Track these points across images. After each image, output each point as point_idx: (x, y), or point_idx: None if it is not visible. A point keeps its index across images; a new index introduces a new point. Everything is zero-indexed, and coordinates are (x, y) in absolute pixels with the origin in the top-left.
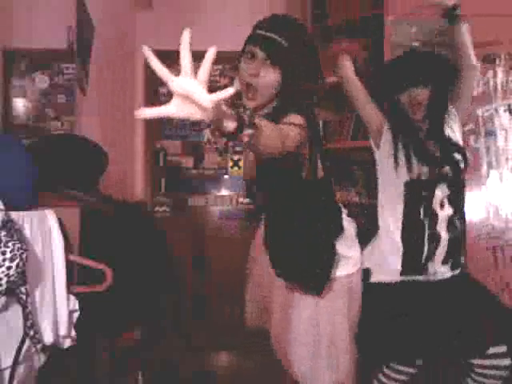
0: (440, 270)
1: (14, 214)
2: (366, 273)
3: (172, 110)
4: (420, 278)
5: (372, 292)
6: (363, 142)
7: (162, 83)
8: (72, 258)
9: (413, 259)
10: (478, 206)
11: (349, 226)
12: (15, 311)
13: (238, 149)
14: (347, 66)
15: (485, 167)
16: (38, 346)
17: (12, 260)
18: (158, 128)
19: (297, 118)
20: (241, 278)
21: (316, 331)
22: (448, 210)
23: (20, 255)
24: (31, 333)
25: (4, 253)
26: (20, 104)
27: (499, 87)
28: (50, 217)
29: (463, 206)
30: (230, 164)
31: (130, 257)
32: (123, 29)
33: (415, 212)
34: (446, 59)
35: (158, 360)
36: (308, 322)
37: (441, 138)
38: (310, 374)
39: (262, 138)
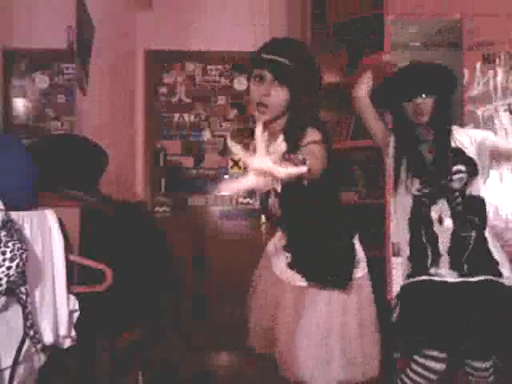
0: (447, 273)
1: (14, 214)
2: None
3: (253, 181)
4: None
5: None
6: (363, 142)
7: (162, 83)
8: (72, 258)
9: (417, 267)
10: None
11: None
12: (15, 311)
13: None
14: (361, 88)
15: None
16: (38, 346)
17: (12, 260)
18: (157, 128)
19: (315, 133)
20: (241, 278)
21: (327, 326)
22: (448, 224)
23: (20, 255)
24: (31, 333)
25: (4, 253)
26: (20, 104)
27: (499, 87)
28: (50, 217)
29: (473, 216)
30: (230, 164)
31: (130, 257)
32: (123, 29)
33: (417, 227)
34: (448, 70)
35: (158, 360)
36: (320, 316)
37: (445, 148)
38: (320, 371)
39: (312, 171)
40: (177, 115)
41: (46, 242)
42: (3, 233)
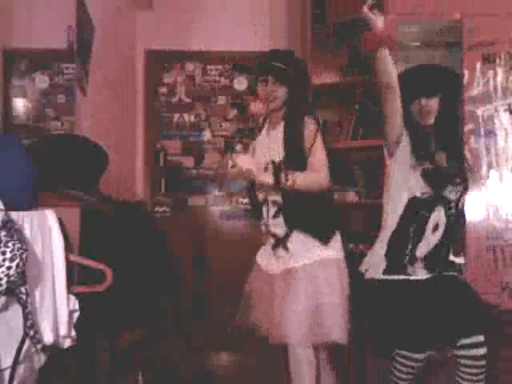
0: (419, 271)
1: (14, 214)
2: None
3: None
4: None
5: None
6: (363, 142)
7: (162, 83)
8: (72, 258)
9: (394, 264)
10: (478, 205)
11: None
12: (15, 311)
13: (237, 149)
14: (387, 57)
15: (485, 167)
16: (38, 346)
17: (12, 260)
18: (157, 128)
19: (312, 124)
20: (241, 278)
21: (314, 298)
22: (439, 233)
23: (20, 255)
24: (31, 333)
25: (4, 253)
26: (20, 104)
27: (499, 87)
28: (50, 217)
29: (458, 231)
30: (230, 164)
31: (130, 257)
32: (123, 29)
33: (406, 228)
34: (452, 71)
35: (158, 360)
36: (308, 289)
37: (458, 151)
38: (305, 336)
39: (298, 186)
40: (177, 115)
41: (46, 242)
42: (3, 233)
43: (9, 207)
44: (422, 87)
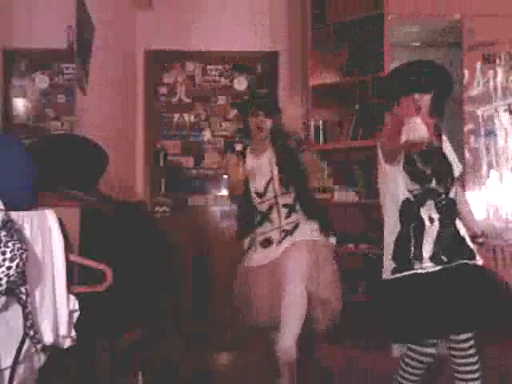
0: (427, 265)
1: (14, 214)
2: None
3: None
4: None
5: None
6: (363, 142)
7: (162, 83)
8: (72, 258)
9: (401, 263)
10: (478, 205)
11: None
12: (15, 311)
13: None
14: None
15: (485, 167)
16: (38, 346)
17: (12, 260)
18: (157, 128)
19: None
20: None
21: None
22: (436, 224)
23: (20, 255)
24: (31, 333)
25: (4, 253)
26: (20, 104)
27: (499, 87)
28: (50, 217)
29: (454, 217)
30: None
31: (130, 257)
32: (123, 29)
33: (406, 228)
34: (444, 68)
35: (158, 360)
36: (300, 270)
37: (439, 149)
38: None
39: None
40: (177, 115)
41: (46, 242)
42: (3, 233)
43: (9, 207)
44: (416, 83)
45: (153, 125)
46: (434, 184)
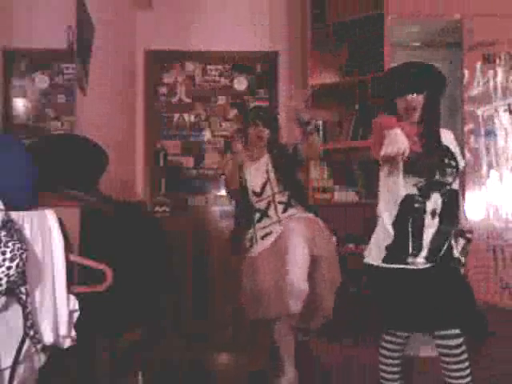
0: (417, 261)
1: (14, 214)
2: None
3: None
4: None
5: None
6: (363, 142)
7: (162, 83)
8: (72, 258)
9: (394, 255)
10: (478, 205)
11: None
12: (15, 311)
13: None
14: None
15: (485, 167)
16: (38, 346)
17: (12, 260)
18: (157, 128)
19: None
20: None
21: (306, 256)
22: (437, 220)
23: (20, 255)
24: (31, 333)
25: (4, 253)
26: (20, 104)
27: (499, 87)
28: (50, 217)
29: (456, 213)
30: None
31: (130, 257)
32: (123, 29)
33: (405, 220)
34: (437, 69)
35: (158, 360)
36: (303, 247)
37: (436, 142)
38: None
39: None
40: (177, 115)
41: (46, 242)
42: (3, 233)
43: (9, 207)
44: (409, 84)
45: (153, 125)
46: (438, 176)
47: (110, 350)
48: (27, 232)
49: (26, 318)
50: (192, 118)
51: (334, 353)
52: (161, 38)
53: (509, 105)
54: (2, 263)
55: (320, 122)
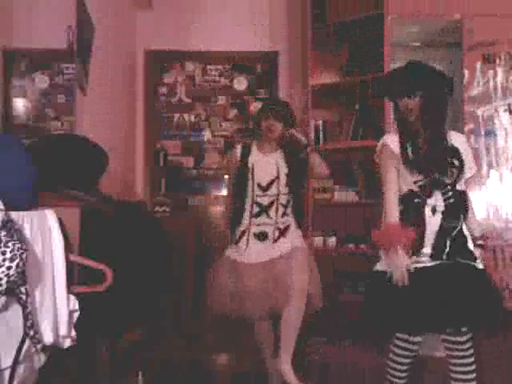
0: (421, 259)
1: (14, 214)
2: None
3: None
4: None
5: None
6: (363, 142)
7: (162, 83)
8: (72, 258)
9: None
10: (478, 205)
11: None
12: (15, 311)
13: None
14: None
15: (485, 167)
16: (38, 346)
17: (12, 260)
18: (157, 128)
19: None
20: None
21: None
22: (439, 216)
23: (20, 255)
24: (31, 333)
25: (4, 253)
26: (20, 104)
27: (499, 87)
28: (50, 217)
29: (460, 211)
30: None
31: (130, 257)
32: (123, 29)
33: (407, 219)
34: (437, 71)
35: (158, 360)
36: (304, 258)
37: (438, 142)
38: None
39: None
40: (177, 115)
41: (46, 242)
42: (3, 233)
43: (9, 207)
44: (403, 87)
45: (153, 125)
46: (437, 175)
47: (110, 350)
48: (27, 232)
49: (25, 318)
50: (192, 118)
51: (332, 355)
52: (161, 38)
53: (509, 105)
54: (2, 263)
55: (320, 122)
